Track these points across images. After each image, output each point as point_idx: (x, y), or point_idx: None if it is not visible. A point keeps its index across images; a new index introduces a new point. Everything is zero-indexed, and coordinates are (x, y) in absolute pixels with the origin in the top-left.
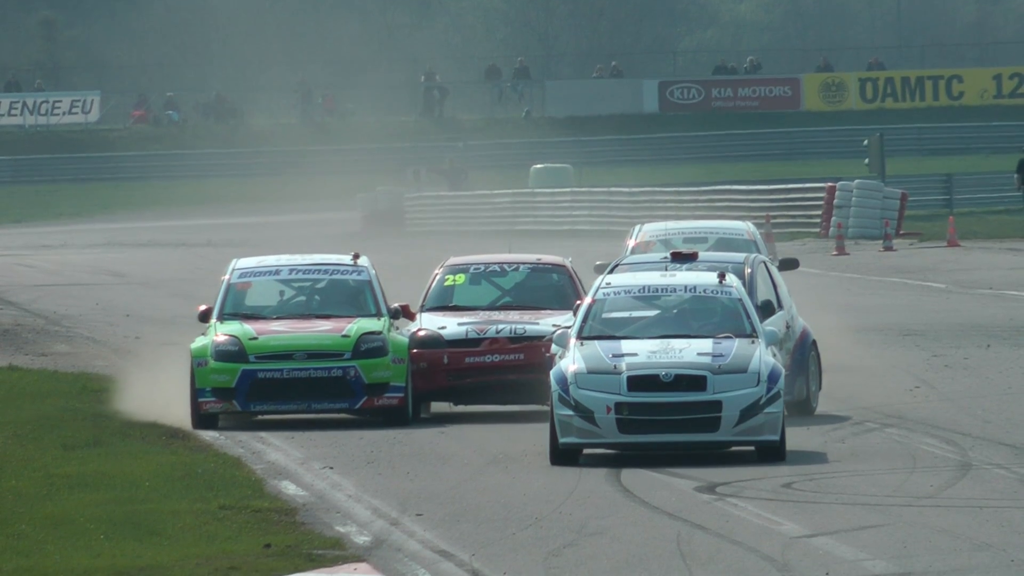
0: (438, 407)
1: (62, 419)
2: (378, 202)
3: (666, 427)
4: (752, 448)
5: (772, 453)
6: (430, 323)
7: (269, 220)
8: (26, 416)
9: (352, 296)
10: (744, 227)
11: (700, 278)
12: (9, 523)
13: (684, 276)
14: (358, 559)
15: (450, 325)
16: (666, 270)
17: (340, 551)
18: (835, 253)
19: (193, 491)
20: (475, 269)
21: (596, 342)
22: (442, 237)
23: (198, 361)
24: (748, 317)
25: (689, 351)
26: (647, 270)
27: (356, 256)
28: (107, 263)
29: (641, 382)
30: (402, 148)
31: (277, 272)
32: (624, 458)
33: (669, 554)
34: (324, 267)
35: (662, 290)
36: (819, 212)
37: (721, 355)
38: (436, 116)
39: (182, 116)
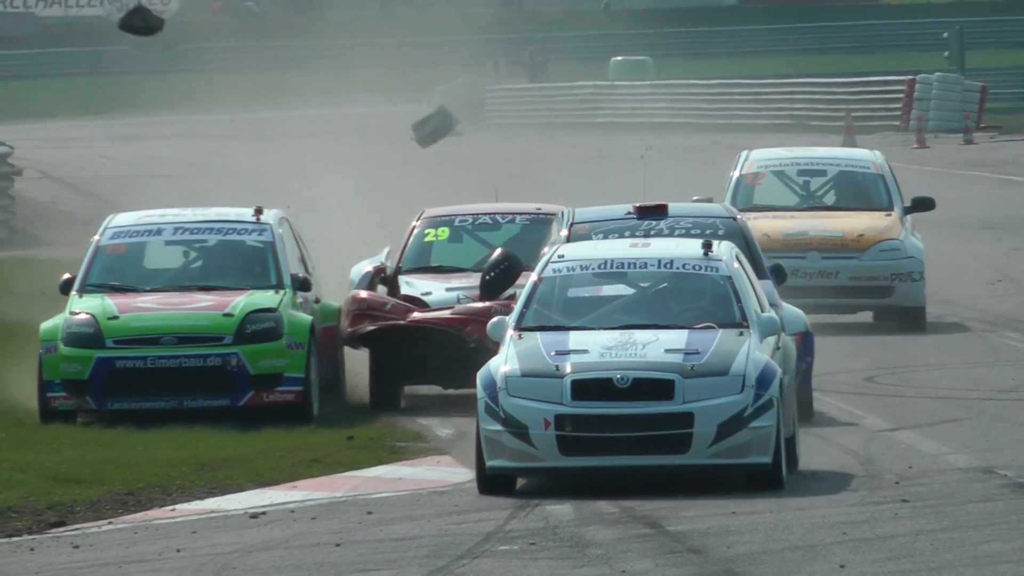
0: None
1: None
2: (458, 94)
3: (620, 447)
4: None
5: (764, 479)
6: (409, 289)
7: (348, 112)
8: None
9: (250, 262)
10: (871, 157)
11: (680, 249)
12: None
13: (660, 246)
14: (440, 452)
15: (436, 290)
16: (636, 233)
17: (422, 444)
18: (915, 146)
19: None
20: (460, 222)
21: (538, 334)
22: (523, 129)
23: (47, 346)
24: (738, 300)
25: (655, 347)
26: (604, 231)
27: (259, 211)
28: (187, 154)
29: (589, 388)
30: (481, 40)
31: (159, 231)
32: None
33: None
34: (217, 225)
35: (630, 264)
36: (899, 105)
37: (696, 352)
38: (516, 8)
39: (260, 8)
